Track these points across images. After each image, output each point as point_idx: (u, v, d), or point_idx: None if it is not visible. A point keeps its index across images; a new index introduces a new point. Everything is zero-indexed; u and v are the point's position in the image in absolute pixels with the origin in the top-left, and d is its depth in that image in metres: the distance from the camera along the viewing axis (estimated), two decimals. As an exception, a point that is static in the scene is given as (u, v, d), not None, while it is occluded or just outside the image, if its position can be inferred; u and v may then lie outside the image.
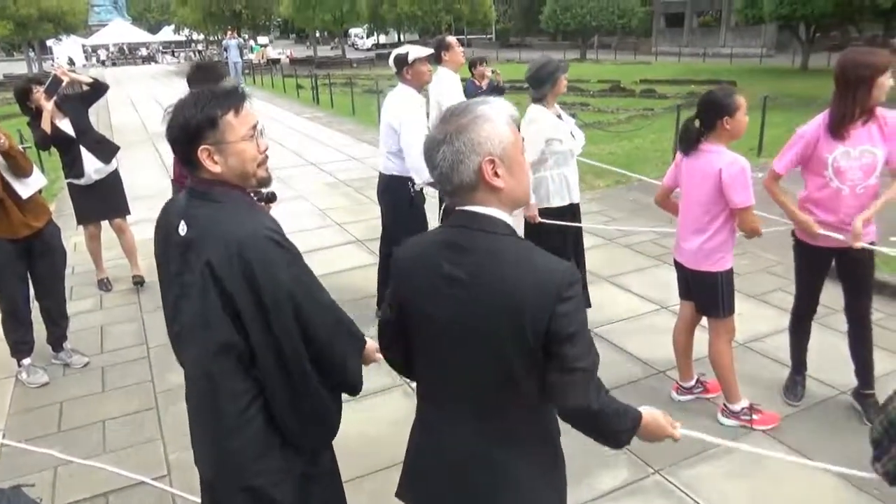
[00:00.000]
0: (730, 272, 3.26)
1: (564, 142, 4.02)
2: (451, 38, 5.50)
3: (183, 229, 1.71)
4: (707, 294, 3.30)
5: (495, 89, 6.10)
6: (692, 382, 3.65)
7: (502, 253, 1.41)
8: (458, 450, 1.52)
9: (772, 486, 2.96)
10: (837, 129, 3.06)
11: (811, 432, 3.30)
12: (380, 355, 1.84)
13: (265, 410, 1.71)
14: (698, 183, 3.17)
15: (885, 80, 2.94)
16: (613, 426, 1.48)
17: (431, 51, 4.30)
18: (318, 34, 42.77)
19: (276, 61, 33.84)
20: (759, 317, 4.57)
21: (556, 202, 4.08)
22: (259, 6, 35.37)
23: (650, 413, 1.58)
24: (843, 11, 14.37)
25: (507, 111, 1.44)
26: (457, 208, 1.48)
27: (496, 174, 1.40)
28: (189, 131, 1.65)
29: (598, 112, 14.05)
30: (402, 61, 4.11)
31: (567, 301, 1.35)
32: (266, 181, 1.79)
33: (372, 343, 1.92)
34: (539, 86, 3.98)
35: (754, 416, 3.35)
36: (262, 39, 44.84)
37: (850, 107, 2.99)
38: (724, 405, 3.43)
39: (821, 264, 3.39)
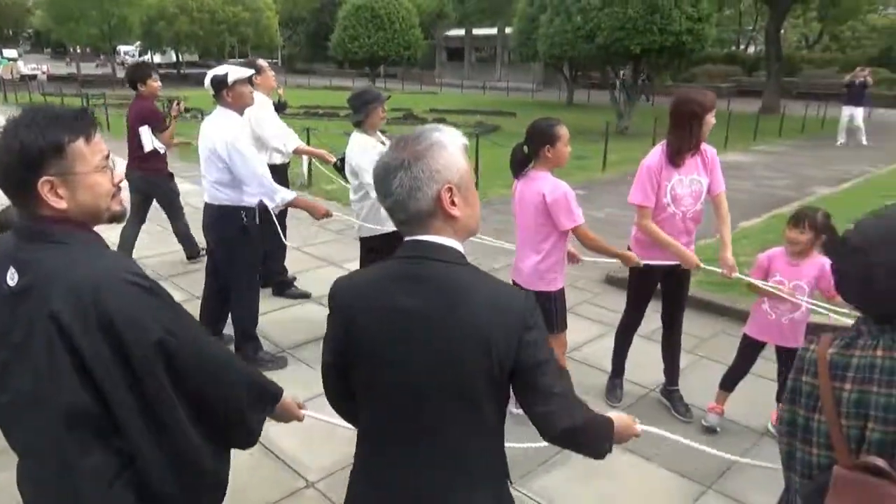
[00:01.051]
0: (562, 291, 3.51)
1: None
2: (262, 62, 5.37)
3: (12, 278, 1.41)
4: (542, 312, 3.51)
5: (280, 106, 6.01)
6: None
7: (462, 283, 1.37)
8: (412, 495, 1.42)
9: (615, 485, 3.22)
10: (675, 158, 3.46)
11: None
12: (304, 412, 1.71)
13: (135, 486, 1.45)
14: (528, 206, 3.38)
15: (711, 118, 3.41)
16: (599, 436, 1.50)
17: (252, 71, 4.09)
18: (79, 49, 38.58)
19: (31, 77, 29.86)
20: (574, 329, 4.97)
21: (390, 226, 4.09)
22: (7, 15, 30.96)
23: (617, 416, 1.62)
24: (602, 55, 16.52)
25: (459, 139, 1.42)
26: (408, 238, 1.42)
27: (453, 203, 1.37)
28: (28, 159, 1.37)
29: (396, 139, 14.40)
30: (221, 83, 3.85)
31: (532, 329, 1.35)
32: (120, 216, 1.55)
33: (290, 398, 1.78)
34: (355, 111, 4.09)
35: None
36: (10, 52, 39.30)
37: (686, 139, 3.41)
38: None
39: (653, 283, 3.80)
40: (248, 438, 1.67)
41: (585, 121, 17.47)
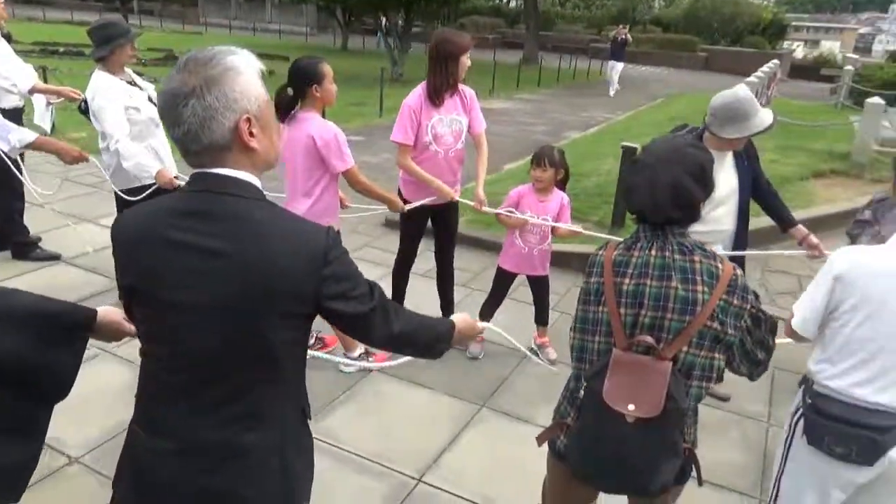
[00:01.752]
0: (337, 234, 3.52)
1: (142, 109, 3.74)
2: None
3: None
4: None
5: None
6: (311, 340, 3.86)
7: (257, 218, 1.28)
8: (198, 437, 1.32)
9: (396, 415, 3.38)
10: (434, 97, 3.55)
11: (416, 363, 3.85)
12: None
13: None
14: (297, 149, 3.29)
15: (466, 60, 3.54)
16: (424, 339, 1.54)
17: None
18: None
19: None
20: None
21: (147, 178, 3.75)
22: None
23: (460, 317, 1.70)
24: (374, 1, 16.48)
25: (256, 63, 1.30)
26: (198, 171, 1.29)
27: (252, 134, 1.27)
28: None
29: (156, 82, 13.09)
30: None
31: (333, 263, 1.31)
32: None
33: (111, 311, 1.53)
34: (97, 46, 3.65)
35: (370, 359, 3.74)
36: None
37: (443, 77, 3.50)
38: (345, 354, 3.74)
39: (421, 222, 3.94)
40: (57, 388, 1.43)
41: (361, 66, 17.39)
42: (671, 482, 1.70)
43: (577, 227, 3.78)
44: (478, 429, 3.31)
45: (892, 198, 2.96)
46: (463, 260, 4.81)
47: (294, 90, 3.25)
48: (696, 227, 3.20)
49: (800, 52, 33.66)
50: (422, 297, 4.36)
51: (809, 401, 1.90)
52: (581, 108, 14.80)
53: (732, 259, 3.18)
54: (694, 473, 1.80)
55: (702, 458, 1.77)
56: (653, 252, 1.66)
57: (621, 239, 1.78)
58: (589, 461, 1.72)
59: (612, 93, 17.08)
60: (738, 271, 1.68)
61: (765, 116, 2.96)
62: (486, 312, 3.96)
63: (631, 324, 1.65)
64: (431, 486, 2.89)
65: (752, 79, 10.40)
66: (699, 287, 1.61)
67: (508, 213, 3.73)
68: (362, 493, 2.83)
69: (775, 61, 14.12)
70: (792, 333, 1.96)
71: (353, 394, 3.52)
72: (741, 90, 3.04)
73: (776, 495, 2.05)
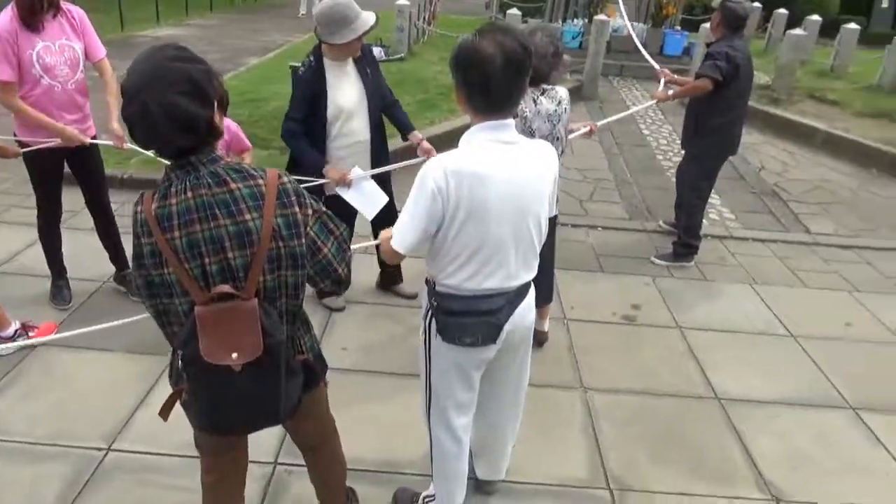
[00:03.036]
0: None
1: None
2: None
3: None
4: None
5: None
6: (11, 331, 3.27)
7: None
8: None
9: (72, 390, 3.04)
10: (30, 20, 2.98)
11: (87, 323, 3.47)
12: None
13: None
14: None
15: None
16: None
17: None
18: None
19: None
20: (4, 238, 4.31)
21: None
22: None
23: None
24: None
25: None
26: None
27: None
28: None
29: None
30: None
31: None
32: None
33: None
34: None
35: (30, 334, 3.27)
36: None
37: None
38: (-2, 336, 3.22)
39: (54, 169, 3.40)
40: None
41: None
42: (300, 397, 1.75)
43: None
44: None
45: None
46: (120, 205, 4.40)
47: None
48: (336, 143, 3.35)
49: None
50: (88, 253, 3.91)
51: (435, 302, 2.05)
52: (262, 32, 14.15)
53: (376, 177, 3.42)
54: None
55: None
56: (189, 195, 1.49)
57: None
58: (216, 418, 1.69)
59: (302, 12, 16.53)
60: (285, 178, 1.59)
61: (367, 18, 3.14)
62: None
63: (201, 275, 1.52)
64: (125, 451, 2.69)
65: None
66: (247, 215, 1.50)
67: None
68: (38, 484, 2.52)
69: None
70: (394, 254, 1.96)
71: (17, 376, 3.07)
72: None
73: (429, 392, 2.22)
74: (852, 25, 10.44)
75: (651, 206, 5.87)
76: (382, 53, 9.66)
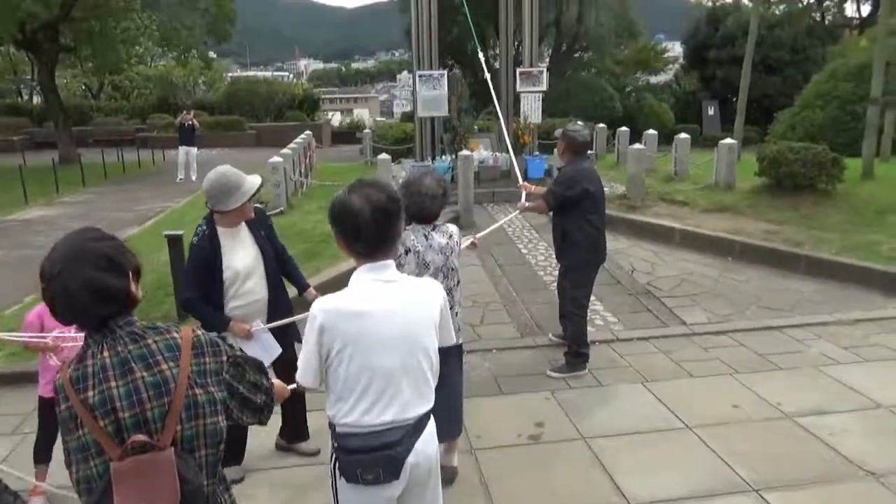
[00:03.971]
0: None
1: None
2: None
3: None
4: None
5: None
6: None
7: None
8: None
9: None
10: None
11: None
12: None
13: None
14: None
15: None
16: None
17: None
18: None
19: None
20: None
21: None
22: None
23: None
24: None
25: None
26: None
27: None
28: None
29: None
30: None
31: None
32: None
33: None
34: None
35: None
36: None
37: None
38: None
39: None
40: None
41: None
42: None
43: None
44: None
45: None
46: (6, 404, 4.05)
47: None
48: (232, 304, 3.37)
49: (336, 120, 38.05)
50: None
51: (335, 443, 2.07)
52: (138, 201, 14.00)
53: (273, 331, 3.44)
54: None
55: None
56: (105, 354, 1.57)
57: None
58: None
59: (180, 177, 16.62)
60: (199, 331, 1.70)
61: (253, 181, 3.31)
62: (43, 456, 3.44)
63: (115, 432, 1.54)
64: None
65: (286, 151, 11.31)
66: (164, 365, 1.58)
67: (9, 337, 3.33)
68: None
69: (308, 132, 15.69)
70: (297, 387, 2.14)
71: None
72: (221, 167, 3.32)
73: None
74: (683, 135, 11.85)
75: (539, 321, 6.10)
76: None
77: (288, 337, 3.60)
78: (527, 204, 5.08)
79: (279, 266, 3.62)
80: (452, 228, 3.40)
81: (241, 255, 3.39)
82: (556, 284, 5.52)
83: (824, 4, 32.16)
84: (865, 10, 30.75)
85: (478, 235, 4.30)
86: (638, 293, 6.80)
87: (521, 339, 5.74)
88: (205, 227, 3.36)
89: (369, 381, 2.00)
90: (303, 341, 2.07)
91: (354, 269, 2.11)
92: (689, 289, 6.86)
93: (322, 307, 2.01)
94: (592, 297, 5.35)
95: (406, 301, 2.06)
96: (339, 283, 6.36)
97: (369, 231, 1.99)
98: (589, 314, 5.21)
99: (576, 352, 4.96)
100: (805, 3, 31.86)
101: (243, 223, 3.43)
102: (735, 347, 5.39)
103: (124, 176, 18.59)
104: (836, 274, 6.97)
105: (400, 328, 2.02)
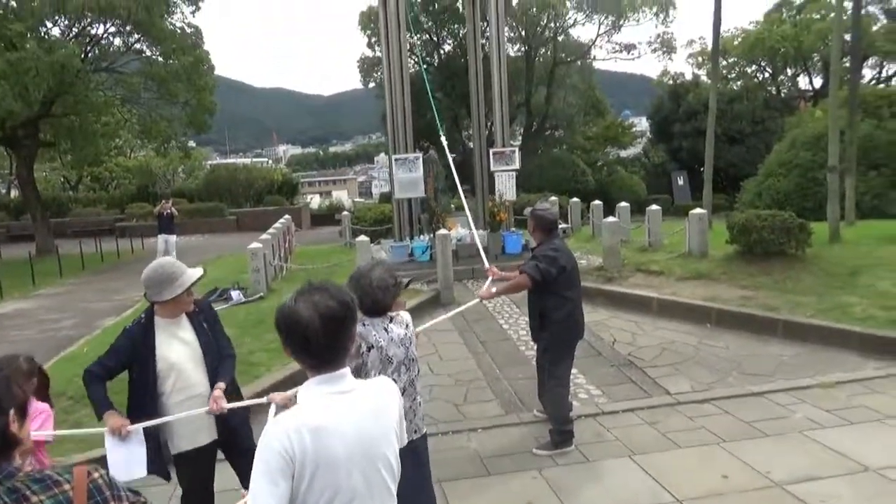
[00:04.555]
0: None
1: None
2: None
3: None
4: None
5: None
6: None
7: None
8: None
9: None
10: None
11: None
12: None
13: None
14: None
15: None
16: None
17: None
18: None
19: None
20: None
21: None
22: None
23: None
24: None
25: None
26: None
27: None
28: None
29: None
30: None
31: None
32: None
33: None
34: None
35: None
36: None
37: None
38: None
39: None
40: None
41: None
42: None
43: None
44: None
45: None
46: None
47: None
48: (174, 397, 3.30)
49: (316, 202, 38.55)
50: None
51: None
52: (116, 291, 13.87)
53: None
54: None
55: None
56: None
57: None
58: None
59: None
60: (95, 474, 1.56)
61: (193, 273, 3.35)
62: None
63: None
64: None
65: (265, 236, 11.40)
66: None
67: None
68: None
69: (287, 217, 15.91)
70: None
71: None
72: (162, 259, 3.43)
73: None
74: (654, 207, 12.18)
75: (523, 397, 6.05)
76: (241, 296, 9.78)
77: (236, 418, 3.49)
78: (493, 290, 5.10)
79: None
80: (407, 317, 3.33)
81: (176, 348, 3.36)
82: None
83: (779, 79, 33.91)
84: (818, 82, 32.45)
85: (448, 315, 4.17)
86: (620, 364, 6.81)
87: (506, 417, 5.67)
88: (142, 316, 3.40)
89: (333, 496, 1.83)
90: (257, 465, 1.81)
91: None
92: (670, 358, 6.89)
93: (279, 428, 1.81)
94: (575, 371, 5.35)
95: (364, 412, 1.91)
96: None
97: (319, 342, 1.83)
98: (572, 388, 5.19)
99: (559, 430, 4.91)
100: (760, 79, 33.57)
101: (184, 316, 3.42)
102: (720, 415, 5.37)
103: (102, 266, 18.50)
104: (813, 336, 7.06)
105: (362, 443, 1.87)
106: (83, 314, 11.42)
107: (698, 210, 10.66)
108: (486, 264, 5.61)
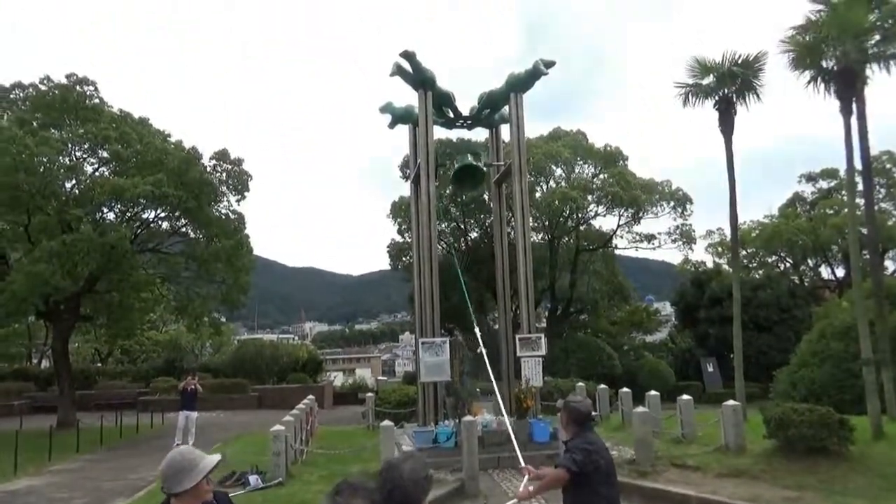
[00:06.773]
0: None
1: None
2: None
3: None
4: None
5: None
6: None
7: None
8: None
9: None
10: None
11: None
12: None
13: None
14: None
15: None
16: None
17: None
18: None
19: None
20: None
21: None
22: None
23: None
24: None
25: None
26: None
27: None
28: None
29: None
30: None
31: None
32: None
33: None
34: None
35: None
36: None
37: None
38: None
39: None
40: None
41: None
42: None
43: None
44: None
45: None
46: None
47: None
48: None
49: (339, 380, 38.29)
50: None
51: None
52: (131, 469, 13.51)
53: None
54: None
55: None
56: None
57: None
58: None
59: (177, 442, 16.19)
60: None
61: (211, 459, 3.27)
62: None
63: None
64: None
65: (288, 417, 11.26)
66: None
67: None
68: None
69: (311, 397, 15.77)
70: None
71: None
72: (179, 448, 3.33)
73: None
74: (685, 397, 11.89)
75: None
76: (259, 481, 9.46)
77: None
78: (531, 488, 4.91)
79: None
80: None
81: None
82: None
83: (800, 269, 34.46)
84: (840, 271, 32.87)
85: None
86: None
87: None
88: None
89: None
90: None
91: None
92: (714, 566, 6.35)
93: None
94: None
95: None
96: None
97: None
98: None
99: None
100: (782, 268, 34.14)
101: None
102: None
103: (120, 441, 18.17)
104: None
105: None
106: (94, 493, 11.05)
107: (731, 402, 10.39)
108: (522, 462, 5.40)
